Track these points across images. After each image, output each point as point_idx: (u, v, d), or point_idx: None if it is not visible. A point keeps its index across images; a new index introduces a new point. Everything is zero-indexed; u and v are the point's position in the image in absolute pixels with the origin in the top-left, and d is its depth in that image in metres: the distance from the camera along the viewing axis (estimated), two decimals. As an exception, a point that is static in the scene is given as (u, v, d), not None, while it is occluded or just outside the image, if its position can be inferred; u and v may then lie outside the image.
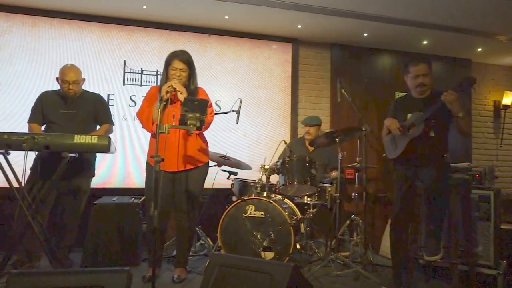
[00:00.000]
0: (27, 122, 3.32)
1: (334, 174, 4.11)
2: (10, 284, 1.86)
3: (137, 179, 4.19)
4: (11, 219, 2.91)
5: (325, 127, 4.83)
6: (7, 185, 2.84)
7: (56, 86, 3.35)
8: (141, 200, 3.58)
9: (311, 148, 4.18)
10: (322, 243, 3.86)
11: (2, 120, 3.96)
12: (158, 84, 3.22)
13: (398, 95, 4.94)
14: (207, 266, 2.30)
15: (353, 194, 3.85)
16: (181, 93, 2.85)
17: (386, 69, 5.19)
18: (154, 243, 2.72)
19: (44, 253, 3.08)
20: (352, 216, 3.86)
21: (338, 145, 3.54)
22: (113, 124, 3.53)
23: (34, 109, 3.33)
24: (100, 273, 1.94)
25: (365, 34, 4.67)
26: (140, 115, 3.05)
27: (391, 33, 4.60)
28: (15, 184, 2.86)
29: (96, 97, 3.48)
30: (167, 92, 2.79)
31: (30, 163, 3.18)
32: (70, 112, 3.30)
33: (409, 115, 2.91)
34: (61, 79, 3.26)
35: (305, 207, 3.64)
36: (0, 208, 3.90)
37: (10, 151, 2.83)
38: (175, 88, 2.83)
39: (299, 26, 4.49)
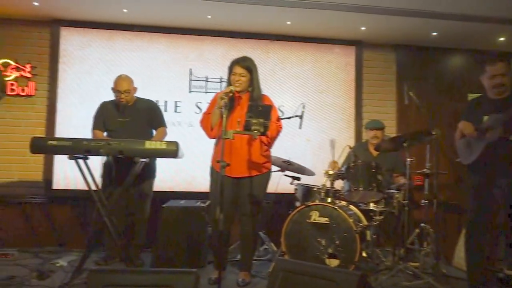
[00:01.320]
0: (91, 129, 3.57)
1: (401, 180, 3.97)
2: (90, 280, 2.00)
3: (202, 183, 4.31)
4: (90, 220, 3.13)
5: (391, 131, 4.67)
6: (86, 188, 3.06)
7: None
8: (206, 204, 3.68)
9: (375, 153, 4.06)
10: (389, 251, 3.71)
11: (82, 127, 4.26)
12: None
13: (471, 96, 4.65)
14: (272, 271, 2.30)
15: (422, 201, 3.67)
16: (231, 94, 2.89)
17: (457, 69, 4.91)
18: (220, 246, 2.79)
19: (119, 253, 3.28)
20: (422, 224, 3.68)
21: (406, 150, 3.40)
22: (166, 127, 3.70)
23: (96, 117, 3.59)
24: (170, 274, 2.03)
25: (433, 33, 4.46)
26: (200, 122, 3.16)
27: (463, 31, 4.35)
28: (93, 187, 3.08)
29: (149, 104, 3.67)
30: (221, 98, 2.83)
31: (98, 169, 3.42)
32: (126, 119, 3.51)
33: (485, 117, 2.73)
34: (114, 89, 3.47)
35: (371, 214, 3.53)
36: (80, 210, 4.21)
37: (89, 156, 3.05)
38: (230, 91, 2.88)
39: (363, 28, 4.39)
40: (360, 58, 4.79)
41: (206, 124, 3.08)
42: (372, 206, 3.53)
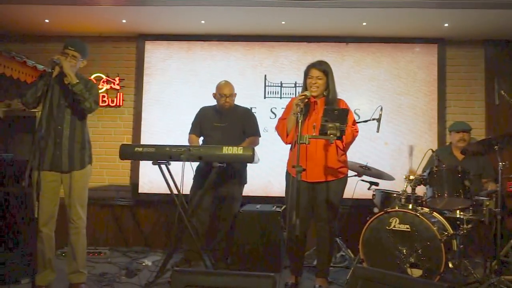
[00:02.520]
0: (188, 133, 3.74)
1: (491, 186, 3.66)
2: (173, 279, 2.10)
3: (277, 188, 4.35)
4: (173, 222, 3.29)
5: (480, 134, 4.33)
6: (169, 192, 3.24)
7: (209, 102, 3.69)
8: (282, 208, 3.70)
9: (461, 157, 3.79)
10: (479, 263, 3.43)
11: (164, 134, 4.53)
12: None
13: None
14: (350, 278, 2.25)
15: (517, 209, 3.35)
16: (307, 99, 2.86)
17: (558, 63, 4.43)
18: (296, 251, 2.78)
19: (199, 255, 3.41)
20: (518, 234, 3.36)
21: (497, 154, 3.13)
22: (260, 136, 3.75)
23: (193, 123, 3.76)
24: (249, 277, 2.06)
25: (527, 26, 4.07)
26: (276, 127, 3.18)
27: None
28: (175, 191, 3.25)
29: (246, 111, 3.77)
30: (297, 105, 2.81)
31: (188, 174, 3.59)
32: (223, 125, 3.61)
33: None
34: (218, 93, 3.61)
35: (458, 222, 3.29)
36: (164, 213, 4.46)
37: (171, 162, 3.22)
38: (305, 97, 2.86)
39: (446, 25, 4.14)
40: (443, 57, 4.51)
41: (282, 129, 3.10)
42: (458, 213, 3.30)
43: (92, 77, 4.50)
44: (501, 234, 3.09)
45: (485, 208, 3.26)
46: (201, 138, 3.75)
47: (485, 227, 3.30)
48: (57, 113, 2.91)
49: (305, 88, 3.09)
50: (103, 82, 4.61)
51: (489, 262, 3.23)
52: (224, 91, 3.59)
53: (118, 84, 4.63)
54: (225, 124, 3.61)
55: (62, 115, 2.91)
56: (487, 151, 3.32)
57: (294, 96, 4.46)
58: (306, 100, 2.89)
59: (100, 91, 4.50)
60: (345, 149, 3.11)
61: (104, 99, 4.59)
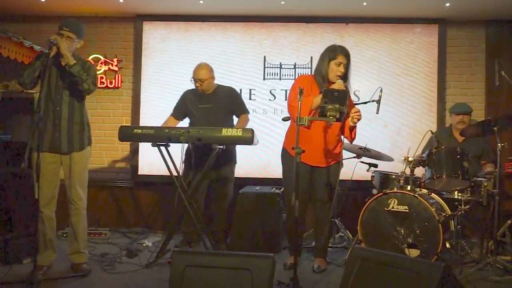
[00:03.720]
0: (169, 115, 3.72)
1: (489, 167, 3.68)
2: (174, 260, 2.13)
3: (276, 169, 4.35)
4: (172, 204, 3.31)
5: (479, 115, 4.33)
6: (168, 174, 3.25)
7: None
8: (281, 190, 3.72)
9: (460, 139, 3.80)
10: (476, 243, 3.48)
11: (163, 116, 4.49)
12: (306, 75, 3.19)
13: None
14: (349, 258, 2.28)
15: (515, 190, 3.38)
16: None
17: (560, 44, 4.38)
18: (295, 232, 2.81)
19: (198, 236, 3.44)
20: (515, 215, 3.39)
21: (497, 135, 3.13)
22: (248, 112, 3.73)
23: (176, 105, 3.73)
24: (248, 257, 2.09)
25: (532, 5, 4.01)
26: (296, 103, 2.68)
27: None
28: (175, 173, 3.25)
29: (229, 90, 3.72)
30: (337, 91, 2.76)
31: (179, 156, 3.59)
32: (207, 106, 3.59)
33: None
34: (192, 77, 3.57)
35: (456, 203, 3.32)
36: (163, 194, 4.48)
37: (170, 144, 3.22)
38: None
39: (447, 5, 4.08)
40: (444, 37, 4.46)
41: (305, 107, 2.81)
42: (456, 195, 3.33)
43: (90, 58, 4.45)
44: (498, 215, 3.12)
45: (483, 189, 3.28)
46: (187, 121, 3.72)
47: (483, 208, 3.33)
48: (55, 94, 2.89)
49: (326, 69, 2.99)
50: (101, 63, 4.57)
51: (486, 242, 3.27)
52: (195, 75, 3.53)
53: (116, 65, 4.58)
54: (210, 105, 3.58)
55: (60, 96, 2.90)
56: (486, 133, 3.32)
57: (293, 77, 4.43)
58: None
59: (98, 72, 4.48)
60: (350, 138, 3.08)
61: (102, 80, 4.56)
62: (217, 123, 3.34)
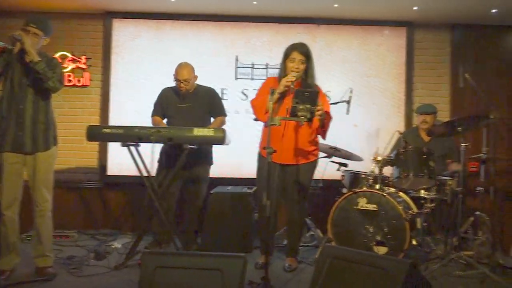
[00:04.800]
0: (151, 116, 3.65)
1: (454, 166, 3.80)
2: (143, 261, 2.09)
3: (248, 169, 4.35)
4: (142, 205, 3.26)
5: (445, 116, 4.46)
6: (138, 174, 3.19)
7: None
8: (253, 190, 3.72)
9: (427, 138, 3.91)
10: (441, 240, 3.59)
11: (133, 115, 4.43)
12: (274, 76, 3.27)
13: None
14: (319, 257, 2.30)
15: (477, 188, 3.50)
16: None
17: (519, 48, 4.58)
18: (267, 232, 2.81)
19: (169, 237, 3.40)
20: (477, 212, 3.51)
21: (460, 135, 3.24)
22: (226, 116, 3.70)
23: (155, 104, 3.66)
24: (219, 258, 2.08)
25: (493, 11, 4.17)
26: (254, 102, 3.09)
27: (526, 7, 4.04)
28: (145, 173, 3.20)
29: (209, 91, 3.69)
30: (285, 86, 2.81)
31: (157, 156, 3.54)
32: (186, 106, 3.55)
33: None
34: (175, 77, 3.53)
35: (422, 201, 3.41)
36: (133, 195, 4.40)
37: (140, 143, 3.16)
38: (296, 79, 2.85)
39: (415, 8, 4.19)
40: (412, 40, 4.59)
41: (262, 105, 2.98)
42: (422, 193, 3.42)
43: (57, 55, 4.33)
44: (461, 212, 3.23)
45: (447, 188, 3.39)
46: (165, 120, 3.68)
47: (447, 206, 3.44)
48: (19, 92, 2.79)
49: (284, 69, 3.04)
50: (69, 60, 4.45)
51: (450, 238, 3.38)
52: (179, 76, 3.48)
53: (84, 63, 4.47)
54: (188, 105, 3.55)
55: (24, 94, 2.80)
56: (451, 133, 3.43)
57: (265, 77, 4.45)
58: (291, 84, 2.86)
59: (65, 70, 4.36)
60: (322, 134, 3.10)
61: (69, 78, 4.44)
62: (195, 124, 3.29)
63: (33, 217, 2.89)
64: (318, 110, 2.70)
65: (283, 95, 2.95)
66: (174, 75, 3.54)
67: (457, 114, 4.38)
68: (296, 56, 2.98)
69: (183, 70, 3.50)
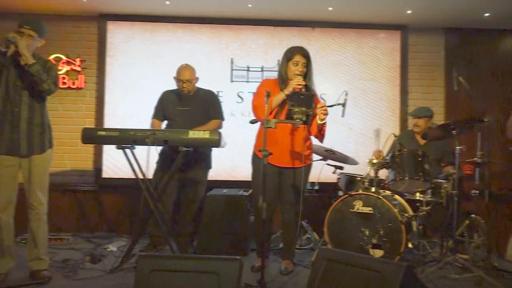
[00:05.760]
0: (151, 118, 3.65)
1: (449, 169, 3.82)
2: (139, 264, 2.08)
3: (244, 172, 4.35)
4: (138, 207, 3.24)
5: (439, 119, 4.49)
6: (133, 177, 3.18)
7: (174, 86, 3.62)
8: (249, 192, 3.72)
9: (422, 142, 3.93)
10: (437, 243, 3.61)
11: (128, 118, 4.42)
12: (271, 78, 3.25)
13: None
14: (315, 260, 2.30)
15: (472, 191, 3.52)
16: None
17: (512, 52, 4.63)
18: (263, 234, 2.81)
19: (164, 240, 3.38)
20: (472, 215, 3.53)
21: (455, 138, 3.26)
22: (223, 119, 3.69)
23: (156, 107, 3.66)
24: (215, 261, 2.07)
25: (486, 14, 4.21)
26: (256, 103, 2.99)
27: (518, 11, 4.08)
28: (140, 176, 3.19)
29: (208, 94, 3.69)
30: (294, 88, 2.81)
31: (155, 158, 3.53)
32: (186, 109, 3.55)
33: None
34: (176, 78, 3.53)
35: (417, 204, 3.43)
36: (129, 198, 4.38)
37: (136, 146, 3.15)
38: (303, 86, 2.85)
39: (409, 12, 4.22)
40: (406, 43, 4.62)
41: (264, 106, 2.85)
42: (418, 196, 3.44)
43: (51, 57, 4.30)
44: (457, 215, 3.24)
45: (443, 191, 3.41)
46: (165, 122, 3.67)
47: (443, 209, 3.45)
48: (14, 95, 2.77)
49: (285, 71, 3.02)
50: (63, 63, 4.43)
51: (445, 241, 3.39)
52: (181, 76, 3.48)
53: (79, 66, 4.45)
54: (188, 107, 3.55)
55: (19, 97, 2.78)
56: (446, 136, 3.44)
57: (260, 80, 4.45)
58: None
59: (59, 72, 4.34)
60: (320, 138, 3.10)
61: (64, 81, 4.42)
62: (195, 126, 3.29)
63: (28, 220, 2.87)
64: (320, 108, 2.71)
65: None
66: (175, 76, 3.54)
67: (452, 117, 4.41)
68: (300, 59, 2.98)
69: (185, 71, 3.50)
